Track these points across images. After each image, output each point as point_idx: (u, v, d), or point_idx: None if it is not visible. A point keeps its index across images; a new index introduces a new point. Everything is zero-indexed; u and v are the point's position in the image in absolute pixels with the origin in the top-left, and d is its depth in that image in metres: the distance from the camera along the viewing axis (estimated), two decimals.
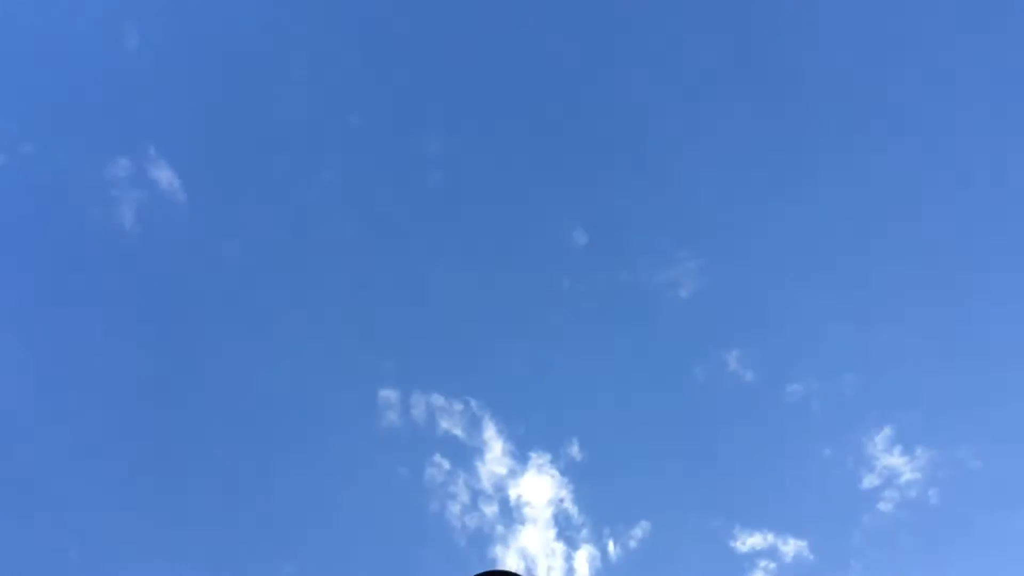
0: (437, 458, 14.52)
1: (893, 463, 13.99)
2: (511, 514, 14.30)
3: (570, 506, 14.36)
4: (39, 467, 13.17)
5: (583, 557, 14.08)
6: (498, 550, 13.90)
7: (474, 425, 14.67)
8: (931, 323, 14.94)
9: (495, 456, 14.36)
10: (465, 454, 14.59)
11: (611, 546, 14.00)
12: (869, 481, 14.04)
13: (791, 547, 13.90)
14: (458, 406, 14.76)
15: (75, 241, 14.44)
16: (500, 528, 14.28)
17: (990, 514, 13.98)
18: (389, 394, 14.75)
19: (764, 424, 14.96)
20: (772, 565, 13.81)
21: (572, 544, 14.25)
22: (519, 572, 2.34)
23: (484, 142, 16.06)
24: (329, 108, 15.74)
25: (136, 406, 14.38)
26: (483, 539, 13.98)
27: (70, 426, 13.85)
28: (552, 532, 14.28)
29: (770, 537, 13.92)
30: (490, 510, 14.22)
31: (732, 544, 13.92)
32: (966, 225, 14.75)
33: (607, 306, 15.35)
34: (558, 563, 14.07)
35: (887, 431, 14.16)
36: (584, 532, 14.34)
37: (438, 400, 14.74)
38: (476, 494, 14.27)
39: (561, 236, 15.51)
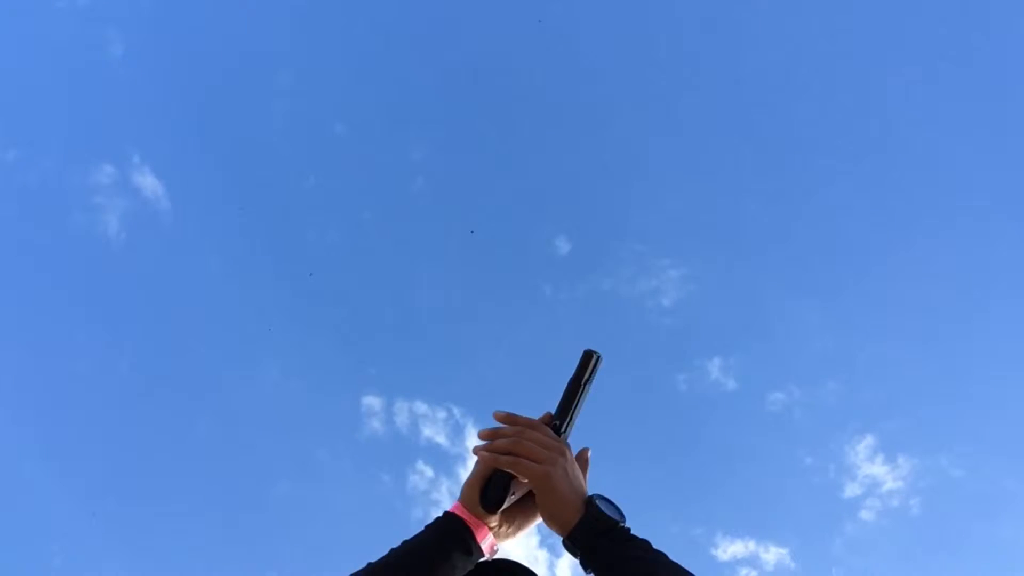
0: (420, 465, 14.56)
1: (875, 472, 14.03)
2: None
3: None
4: (22, 472, 13.23)
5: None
6: None
7: (457, 432, 14.71)
8: (914, 332, 14.98)
9: None
10: (448, 461, 14.62)
11: None
12: (851, 490, 14.07)
13: (772, 555, 13.94)
14: (441, 413, 14.80)
15: (58, 248, 14.49)
16: None
17: (972, 523, 14.02)
18: (372, 401, 14.81)
19: (746, 432, 14.99)
20: (753, 573, 13.85)
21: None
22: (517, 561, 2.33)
23: (467, 149, 16.10)
24: (314, 116, 15.78)
25: (119, 412, 14.43)
26: None
27: (53, 432, 13.90)
28: (535, 539, 14.31)
29: (751, 545, 13.96)
30: None
31: (713, 552, 13.96)
32: (952, 233, 14.78)
33: (589, 314, 15.37)
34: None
35: (869, 440, 14.19)
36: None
37: (421, 407, 14.78)
38: None
39: (543, 244, 15.55)
